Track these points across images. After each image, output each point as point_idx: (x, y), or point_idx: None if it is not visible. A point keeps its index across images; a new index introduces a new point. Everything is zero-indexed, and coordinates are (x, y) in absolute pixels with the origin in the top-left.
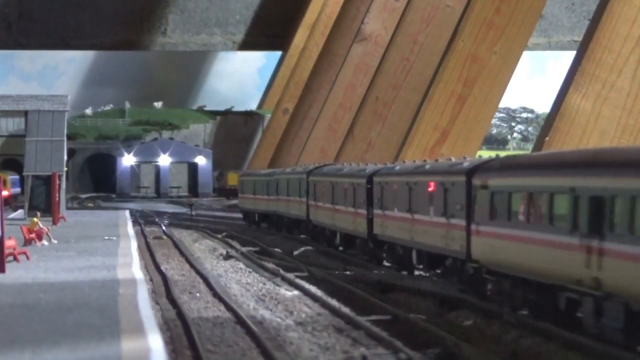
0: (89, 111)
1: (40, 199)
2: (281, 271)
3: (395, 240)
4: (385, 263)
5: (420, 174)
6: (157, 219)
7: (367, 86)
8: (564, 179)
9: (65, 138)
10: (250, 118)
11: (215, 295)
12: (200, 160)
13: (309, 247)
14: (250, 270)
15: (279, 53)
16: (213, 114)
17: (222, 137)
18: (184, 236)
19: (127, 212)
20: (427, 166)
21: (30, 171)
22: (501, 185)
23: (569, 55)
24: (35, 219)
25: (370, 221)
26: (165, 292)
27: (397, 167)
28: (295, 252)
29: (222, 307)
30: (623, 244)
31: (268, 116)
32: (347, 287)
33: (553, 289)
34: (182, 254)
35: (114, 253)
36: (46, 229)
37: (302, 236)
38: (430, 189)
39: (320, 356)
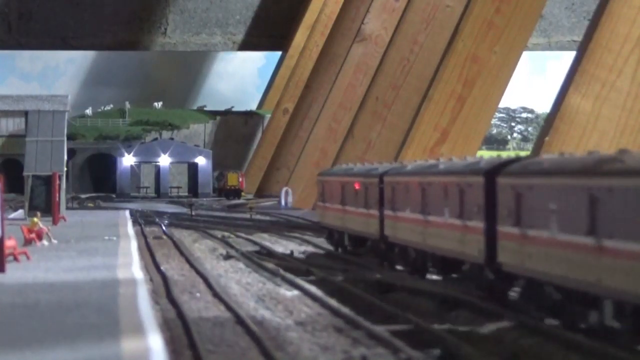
0: (89, 111)
1: (40, 199)
2: (281, 271)
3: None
4: None
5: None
6: (157, 219)
7: (367, 86)
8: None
9: (65, 138)
10: (250, 118)
11: (215, 295)
12: (200, 161)
13: None
14: (250, 270)
15: (279, 53)
16: (213, 114)
17: (222, 137)
18: (184, 236)
19: (127, 212)
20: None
21: (30, 171)
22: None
23: (569, 55)
24: (35, 219)
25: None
26: (165, 292)
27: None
28: None
29: (222, 307)
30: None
31: (268, 116)
32: (347, 287)
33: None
34: (182, 254)
35: (114, 253)
36: (46, 229)
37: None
38: (357, 188)
39: (320, 356)
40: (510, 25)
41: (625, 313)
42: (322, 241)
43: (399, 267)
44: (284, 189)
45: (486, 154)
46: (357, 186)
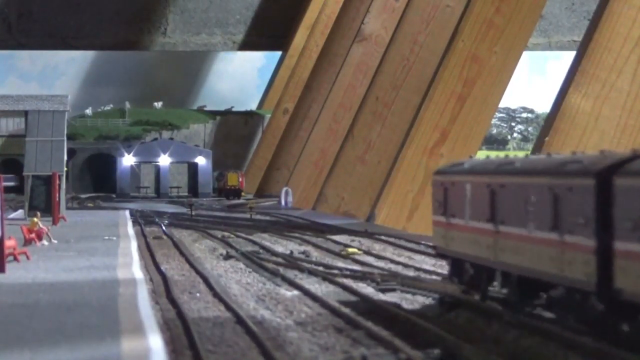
0: (89, 111)
1: (40, 199)
2: (281, 271)
3: None
4: None
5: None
6: (157, 219)
7: (367, 86)
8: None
9: (65, 138)
10: (250, 118)
11: (215, 295)
12: (200, 160)
13: None
14: (250, 270)
15: (279, 53)
16: (213, 114)
17: (222, 137)
18: (184, 236)
19: (127, 212)
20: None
21: (30, 171)
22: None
23: (569, 55)
24: (35, 219)
25: None
26: (165, 292)
27: None
28: None
29: (222, 307)
30: None
31: (268, 116)
32: (348, 287)
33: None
34: (182, 254)
35: (114, 253)
36: (46, 229)
37: None
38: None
39: (320, 356)
40: (510, 25)
41: None
42: (321, 241)
43: None
44: (284, 189)
45: (485, 154)
46: (531, 191)
